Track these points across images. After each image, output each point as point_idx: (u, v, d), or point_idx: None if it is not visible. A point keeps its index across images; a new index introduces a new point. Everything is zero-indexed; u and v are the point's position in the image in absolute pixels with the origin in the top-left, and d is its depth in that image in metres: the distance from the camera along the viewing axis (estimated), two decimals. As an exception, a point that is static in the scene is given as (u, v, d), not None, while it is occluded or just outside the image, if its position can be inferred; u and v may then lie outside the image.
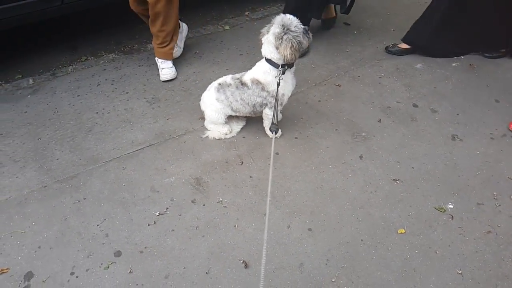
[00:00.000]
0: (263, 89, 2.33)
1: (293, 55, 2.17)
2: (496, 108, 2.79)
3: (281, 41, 2.16)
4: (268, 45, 2.23)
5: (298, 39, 2.17)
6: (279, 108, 2.40)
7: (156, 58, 3.12)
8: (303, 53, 2.20)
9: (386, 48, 3.39)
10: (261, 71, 2.31)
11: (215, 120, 2.51)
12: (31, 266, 1.92)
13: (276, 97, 2.22)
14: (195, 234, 2.06)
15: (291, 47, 2.15)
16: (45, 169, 2.39)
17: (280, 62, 2.24)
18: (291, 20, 2.16)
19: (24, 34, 3.69)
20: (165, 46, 3.03)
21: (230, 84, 2.40)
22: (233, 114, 2.51)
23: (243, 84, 2.37)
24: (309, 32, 2.24)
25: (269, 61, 2.27)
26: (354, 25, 3.76)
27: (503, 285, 1.83)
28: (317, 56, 3.34)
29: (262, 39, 2.27)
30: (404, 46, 3.34)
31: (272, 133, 2.08)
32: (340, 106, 2.83)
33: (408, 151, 2.49)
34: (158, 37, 2.98)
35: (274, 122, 2.14)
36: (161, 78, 3.07)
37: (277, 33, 2.16)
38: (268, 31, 2.23)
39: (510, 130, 2.62)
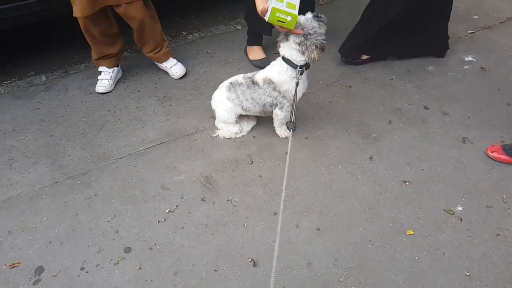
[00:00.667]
0: (274, 88, 2.33)
1: (320, 55, 2.17)
2: (507, 112, 2.77)
3: (306, 47, 2.14)
4: (290, 49, 2.20)
5: (320, 38, 2.16)
6: (289, 108, 2.41)
7: (158, 64, 3.16)
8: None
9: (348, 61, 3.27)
10: (276, 71, 2.30)
11: (225, 119, 2.53)
12: (42, 260, 1.96)
13: (294, 97, 2.21)
14: (204, 232, 2.08)
15: (316, 48, 2.14)
16: (57, 165, 2.42)
17: (300, 63, 2.22)
18: (301, 22, 2.15)
19: (37, 32, 3.74)
20: (160, 50, 3.03)
21: (241, 83, 2.41)
22: (244, 113, 2.53)
23: (254, 83, 2.38)
24: (320, 16, 2.19)
25: (287, 61, 2.25)
26: (365, 26, 3.75)
27: (512, 289, 1.83)
28: (328, 57, 3.34)
29: (281, 44, 2.24)
30: (364, 57, 3.26)
31: (290, 131, 2.08)
32: (350, 107, 2.83)
33: (418, 153, 2.49)
34: (150, 44, 2.96)
35: (292, 120, 2.14)
36: (175, 77, 3.11)
37: (299, 42, 2.15)
38: (287, 39, 2.20)
39: (489, 156, 2.46)
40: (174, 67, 3.10)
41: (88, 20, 2.61)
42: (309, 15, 2.17)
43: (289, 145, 1.87)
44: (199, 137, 2.61)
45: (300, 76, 2.23)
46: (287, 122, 2.22)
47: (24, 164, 2.43)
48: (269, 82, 2.33)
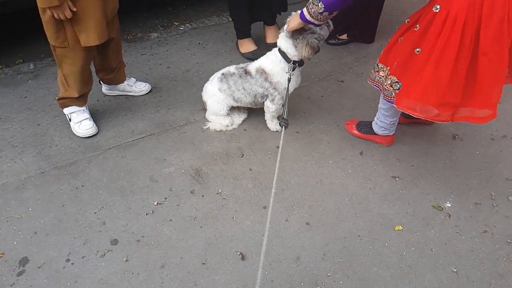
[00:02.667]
0: (266, 79, 2.32)
1: (310, 53, 2.18)
2: (497, 110, 2.78)
3: (298, 41, 2.16)
4: (286, 41, 2.23)
5: (314, 36, 2.15)
6: (282, 102, 2.40)
7: (118, 87, 2.79)
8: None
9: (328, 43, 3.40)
10: (270, 61, 2.31)
11: (217, 111, 2.50)
12: (27, 251, 1.92)
13: (287, 92, 2.21)
14: (193, 224, 2.06)
15: (307, 45, 2.15)
16: (44, 155, 2.38)
17: (294, 58, 2.24)
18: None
19: (26, 18, 3.67)
20: (121, 67, 2.70)
21: (234, 73, 2.40)
22: (235, 104, 2.51)
23: (247, 73, 2.37)
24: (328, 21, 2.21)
25: (282, 53, 2.26)
26: (358, 21, 3.74)
27: (497, 284, 1.84)
28: (321, 51, 3.29)
29: (280, 34, 2.27)
30: (344, 37, 3.43)
31: (282, 127, 2.08)
32: (342, 102, 2.82)
33: (409, 149, 2.49)
34: (115, 63, 2.63)
35: (284, 117, 2.13)
36: (141, 94, 2.83)
37: (294, 33, 2.17)
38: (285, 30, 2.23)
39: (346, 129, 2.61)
40: (138, 83, 2.83)
41: (94, 50, 2.33)
42: None
43: (281, 142, 1.86)
44: (190, 129, 2.58)
45: (292, 72, 2.23)
46: (279, 117, 2.21)
47: (10, 153, 2.39)
48: (261, 72, 2.33)
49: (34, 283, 1.81)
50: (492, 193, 2.25)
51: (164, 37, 3.47)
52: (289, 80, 2.22)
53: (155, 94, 2.84)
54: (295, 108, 2.75)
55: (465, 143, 2.54)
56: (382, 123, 2.37)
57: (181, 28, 3.62)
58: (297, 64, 2.27)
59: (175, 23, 3.71)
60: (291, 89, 2.37)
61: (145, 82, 2.85)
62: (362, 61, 3.23)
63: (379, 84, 2.21)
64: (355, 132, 2.55)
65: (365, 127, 2.52)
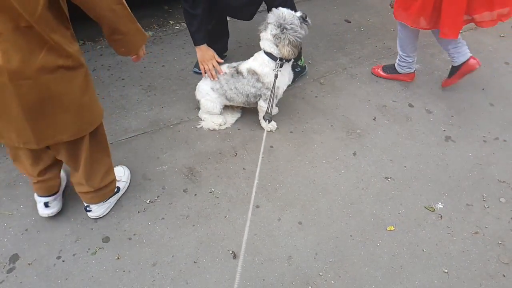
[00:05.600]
0: (258, 80, 2.33)
1: (291, 52, 2.20)
2: (490, 112, 2.80)
3: (280, 40, 2.19)
4: (268, 42, 2.26)
5: (296, 35, 2.18)
6: (275, 101, 2.41)
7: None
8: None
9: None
10: (258, 63, 2.32)
11: (210, 110, 2.50)
12: (17, 248, 1.91)
13: (273, 89, 2.22)
14: (185, 223, 2.05)
15: (288, 44, 2.18)
16: (37, 152, 2.36)
17: (279, 56, 2.26)
18: (285, 15, 2.18)
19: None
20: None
21: (226, 73, 2.41)
22: (228, 103, 2.51)
23: (238, 73, 2.38)
24: (307, 19, 2.24)
25: (268, 54, 2.28)
26: (355, 23, 3.76)
27: (487, 285, 1.85)
28: (316, 52, 3.33)
29: (261, 35, 2.29)
30: None
31: (266, 121, 2.09)
32: (336, 103, 2.83)
33: (402, 150, 2.50)
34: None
35: (269, 112, 2.15)
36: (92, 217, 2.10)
37: (274, 34, 2.20)
38: (265, 29, 2.26)
39: (373, 74, 3.10)
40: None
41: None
42: (298, 13, 2.21)
43: (264, 135, 1.87)
44: (183, 128, 2.58)
45: (280, 68, 2.25)
46: (265, 115, 2.20)
47: (2, 150, 2.37)
48: (253, 73, 2.34)
49: (24, 280, 1.80)
50: (484, 195, 2.26)
51: (159, 35, 3.46)
52: (276, 76, 2.24)
53: (149, 92, 2.84)
54: (289, 108, 2.75)
55: (458, 145, 2.55)
56: (403, 63, 2.93)
57: (176, 27, 3.62)
58: (284, 61, 2.28)
59: (170, 22, 3.70)
60: (284, 87, 2.38)
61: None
62: (357, 62, 3.24)
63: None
64: (382, 73, 3.06)
65: (390, 68, 3.04)
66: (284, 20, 2.17)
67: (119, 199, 2.14)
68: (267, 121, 2.11)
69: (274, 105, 2.26)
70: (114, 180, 2.04)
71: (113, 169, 2.02)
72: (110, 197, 2.06)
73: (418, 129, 2.65)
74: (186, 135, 2.53)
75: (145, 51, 1.85)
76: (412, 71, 2.98)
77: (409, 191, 2.26)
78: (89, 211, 2.02)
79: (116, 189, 2.08)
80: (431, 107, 2.83)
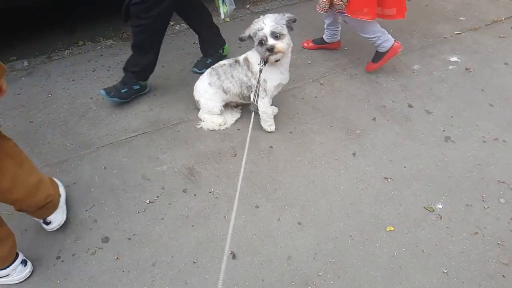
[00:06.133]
0: (248, 68, 2.38)
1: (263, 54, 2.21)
2: (490, 113, 2.80)
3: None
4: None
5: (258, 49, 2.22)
6: (269, 99, 2.44)
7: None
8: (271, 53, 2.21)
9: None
10: (252, 52, 2.37)
11: (211, 109, 2.51)
12: (17, 248, 1.90)
13: (258, 80, 2.22)
14: (185, 223, 2.06)
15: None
16: (36, 152, 2.37)
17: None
18: (259, 27, 2.17)
19: (21, 16, 3.65)
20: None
21: (224, 64, 2.47)
22: (225, 97, 2.52)
23: (236, 62, 2.45)
24: (277, 34, 2.15)
25: None
26: (354, 23, 3.75)
27: (487, 285, 1.85)
28: (315, 52, 3.33)
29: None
30: None
31: (252, 113, 2.04)
32: (336, 103, 2.83)
33: (401, 150, 2.50)
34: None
35: (255, 103, 2.14)
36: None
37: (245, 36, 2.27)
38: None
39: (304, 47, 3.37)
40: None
41: None
42: (267, 28, 2.17)
43: (250, 126, 1.88)
44: (183, 128, 2.58)
45: (263, 64, 2.25)
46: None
47: (2, 150, 2.37)
48: (246, 60, 2.40)
49: (24, 281, 1.80)
50: (484, 195, 2.26)
51: (159, 36, 3.46)
52: (260, 70, 2.25)
53: (149, 93, 2.84)
54: (289, 108, 2.75)
55: (457, 145, 2.55)
56: (329, 33, 3.24)
57: (176, 28, 3.62)
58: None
59: (170, 22, 3.70)
60: (273, 82, 2.37)
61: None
62: (356, 63, 3.24)
63: (326, 10, 2.88)
64: (311, 44, 3.38)
65: (318, 39, 3.35)
66: (256, 32, 2.18)
67: (118, 199, 2.14)
68: (254, 112, 2.06)
69: (266, 101, 2.36)
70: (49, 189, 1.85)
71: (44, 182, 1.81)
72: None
73: (417, 129, 2.65)
74: (185, 135, 2.53)
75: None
76: (338, 39, 3.30)
77: (409, 192, 2.26)
78: (49, 223, 1.92)
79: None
80: (430, 107, 2.83)
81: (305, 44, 3.41)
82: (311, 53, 3.31)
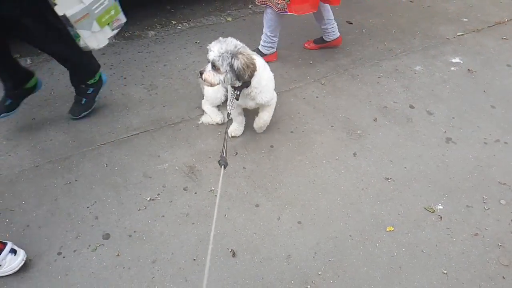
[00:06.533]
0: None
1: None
2: (491, 114, 2.80)
3: None
4: None
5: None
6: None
7: None
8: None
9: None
10: None
11: (212, 100, 2.54)
12: (19, 244, 1.91)
13: (226, 131, 2.10)
14: (185, 221, 2.06)
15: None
16: (38, 149, 2.38)
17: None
18: (209, 48, 2.09)
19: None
20: None
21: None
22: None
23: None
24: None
25: None
26: (356, 24, 3.76)
27: (486, 286, 1.85)
28: (317, 52, 3.34)
29: None
30: None
31: (221, 167, 1.84)
32: (337, 103, 2.83)
33: (402, 151, 2.50)
34: None
35: (223, 155, 1.90)
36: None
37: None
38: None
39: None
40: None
41: None
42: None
43: (220, 183, 1.73)
44: (184, 127, 2.59)
45: (238, 94, 2.17)
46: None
47: (5, 146, 2.38)
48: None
49: (25, 276, 1.81)
50: (484, 196, 2.26)
51: (161, 35, 3.48)
52: (234, 96, 2.19)
53: (150, 91, 2.85)
54: (290, 108, 2.76)
55: (459, 146, 2.55)
56: (268, 44, 3.08)
57: (178, 27, 3.63)
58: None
59: (172, 21, 3.71)
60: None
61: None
62: (358, 63, 3.24)
63: (268, 2, 2.83)
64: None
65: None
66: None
67: (119, 196, 2.15)
68: (223, 166, 1.86)
69: (225, 148, 1.94)
70: None
71: None
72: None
73: (418, 130, 2.65)
74: (187, 134, 2.54)
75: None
76: (275, 50, 3.19)
77: (409, 192, 2.26)
78: None
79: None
80: (432, 108, 2.83)
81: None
82: (313, 53, 3.32)
